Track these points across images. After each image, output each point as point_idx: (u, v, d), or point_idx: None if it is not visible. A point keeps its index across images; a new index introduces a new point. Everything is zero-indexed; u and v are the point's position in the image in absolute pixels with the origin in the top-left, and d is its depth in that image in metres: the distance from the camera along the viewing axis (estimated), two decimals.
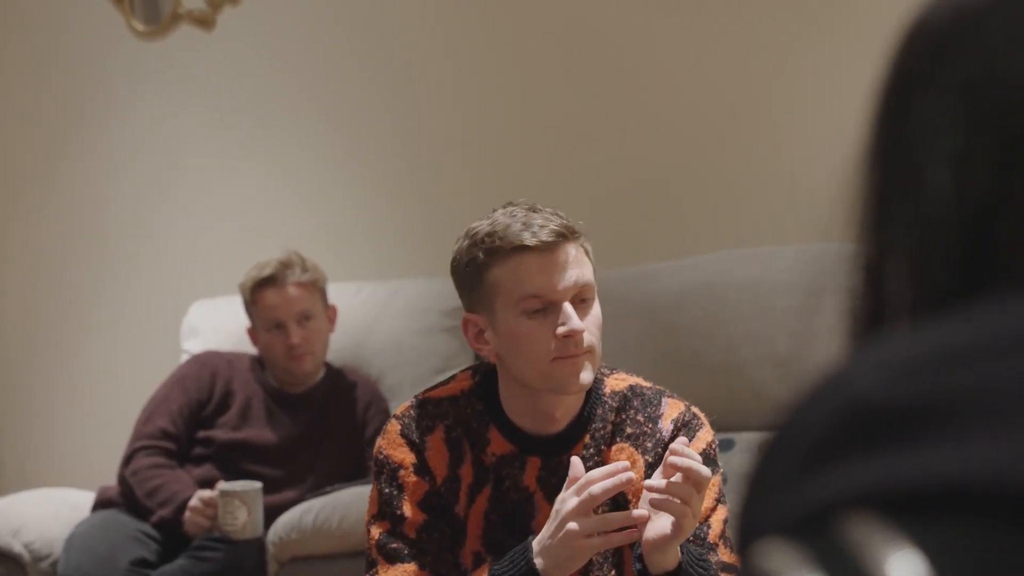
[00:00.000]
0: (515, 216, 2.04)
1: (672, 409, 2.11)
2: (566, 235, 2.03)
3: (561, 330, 2.01)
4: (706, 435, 2.10)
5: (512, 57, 4.19)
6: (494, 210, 2.08)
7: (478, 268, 2.04)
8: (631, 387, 2.14)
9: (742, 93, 3.98)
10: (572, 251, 2.04)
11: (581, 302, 2.04)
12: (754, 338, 3.57)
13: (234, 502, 3.29)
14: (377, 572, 2.06)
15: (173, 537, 3.45)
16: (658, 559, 1.92)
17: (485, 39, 4.22)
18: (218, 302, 4.10)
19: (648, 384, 2.16)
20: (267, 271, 3.64)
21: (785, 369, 3.53)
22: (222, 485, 3.35)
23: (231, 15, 4.37)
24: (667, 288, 3.71)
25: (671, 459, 1.89)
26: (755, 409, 3.53)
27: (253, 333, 3.71)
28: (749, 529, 0.56)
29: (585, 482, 1.92)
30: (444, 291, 3.97)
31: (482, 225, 2.06)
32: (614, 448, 2.10)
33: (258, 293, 3.64)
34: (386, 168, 4.29)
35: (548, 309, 2.02)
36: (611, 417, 2.11)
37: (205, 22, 4.42)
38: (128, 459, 3.56)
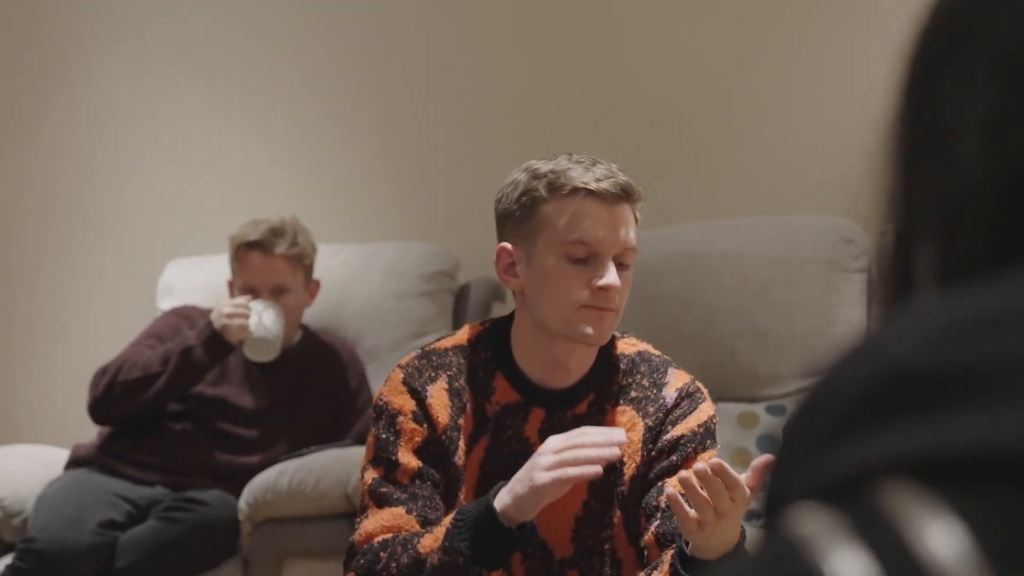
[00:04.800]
0: (580, 162, 2.06)
1: (677, 379, 2.15)
2: (629, 193, 2.05)
3: (600, 282, 2.01)
4: (707, 408, 2.14)
5: (493, 23, 4.17)
6: (554, 155, 2.09)
7: (534, 200, 2.04)
8: (640, 352, 2.17)
9: (728, 64, 3.97)
10: (629, 211, 2.06)
11: (619, 264, 2.05)
12: (733, 309, 3.57)
13: (271, 308, 3.43)
14: (367, 516, 2.06)
15: (143, 500, 3.42)
16: (701, 543, 1.88)
17: (467, 5, 4.19)
18: (195, 261, 4.07)
19: (657, 352, 2.19)
20: (255, 235, 3.56)
21: (764, 340, 3.53)
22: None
23: None
24: (647, 257, 3.69)
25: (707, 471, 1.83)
26: (734, 380, 3.53)
27: (232, 286, 3.66)
28: (779, 494, 0.55)
29: (579, 432, 1.93)
30: (422, 255, 3.96)
31: (542, 163, 2.07)
32: (617, 409, 2.12)
33: (243, 253, 3.59)
34: (366, 131, 4.27)
35: (590, 259, 2.03)
36: (618, 379, 2.13)
37: None
38: (105, 373, 3.46)
